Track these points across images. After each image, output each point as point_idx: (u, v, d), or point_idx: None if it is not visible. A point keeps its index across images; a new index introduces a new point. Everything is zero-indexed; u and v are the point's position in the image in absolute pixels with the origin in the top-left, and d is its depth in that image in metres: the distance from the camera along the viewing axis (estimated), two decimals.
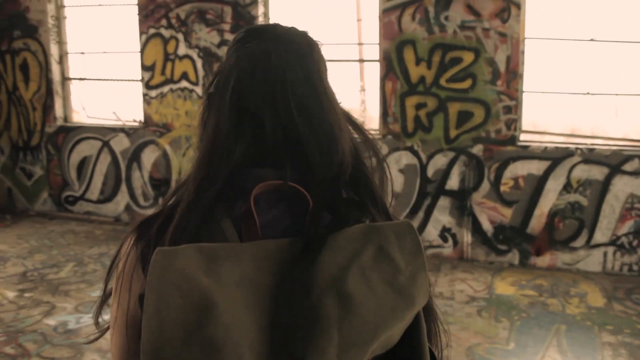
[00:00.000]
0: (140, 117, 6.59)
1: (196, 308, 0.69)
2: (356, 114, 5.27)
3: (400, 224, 0.81)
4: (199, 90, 6.18)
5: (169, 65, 6.24)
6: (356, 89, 5.84)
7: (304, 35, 0.95)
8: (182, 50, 6.16)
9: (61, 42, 6.92)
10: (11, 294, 4.57)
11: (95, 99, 7.37)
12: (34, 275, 4.99)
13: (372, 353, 0.74)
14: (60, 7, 6.88)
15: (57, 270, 5.03)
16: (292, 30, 0.94)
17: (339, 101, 0.95)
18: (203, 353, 0.67)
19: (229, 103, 0.88)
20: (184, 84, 6.21)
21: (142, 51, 6.34)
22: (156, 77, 6.32)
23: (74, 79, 7.00)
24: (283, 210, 0.86)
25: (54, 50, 6.86)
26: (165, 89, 6.30)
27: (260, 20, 5.81)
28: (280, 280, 0.75)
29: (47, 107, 6.97)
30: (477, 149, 5.32)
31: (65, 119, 7.07)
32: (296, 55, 0.89)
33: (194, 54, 6.12)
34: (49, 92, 6.92)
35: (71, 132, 6.90)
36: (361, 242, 0.77)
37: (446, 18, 5.16)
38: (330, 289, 0.72)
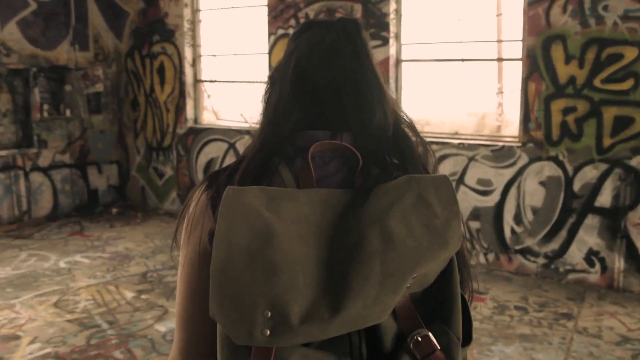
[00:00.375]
0: None
1: (259, 235, 0.78)
2: (492, 118, 4.68)
3: (438, 176, 0.88)
4: None
5: None
6: (493, 90, 5.33)
7: (353, 20, 1.06)
8: None
9: (195, 45, 7.08)
10: (130, 295, 4.62)
11: (225, 101, 7.47)
12: (153, 277, 5.04)
13: (409, 289, 0.83)
14: (195, 11, 7.05)
15: (175, 272, 5.03)
16: (343, 18, 1.05)
17: (382, 78, 1.04)
18: (263, 273, 0.76)
19: (290, 77, 1.00)
20: None
21: (270, 52, 6.28)
22: None
23: (205, 81, 7.14)
24: (337, 167, 0.97)
25: (187, 53, 7.04)
26: None
27: (392, 17, 5.50)
28: (332, 221, 0.84)
29: (179, 109, 7.16)
30: (637, 161, 4.59)
31: (196, 120, 7.22)
32: (345, 37, 1.01)
33: None
34: (182, 94, 7.11)
35: (200, 134, 7.02)
36: (403, 189, 0.85)
37: (605, 8, 4.51)
38: (374, 227, 0.81)
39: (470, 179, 5.21)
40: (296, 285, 0.77)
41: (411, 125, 1.05)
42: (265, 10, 6.27)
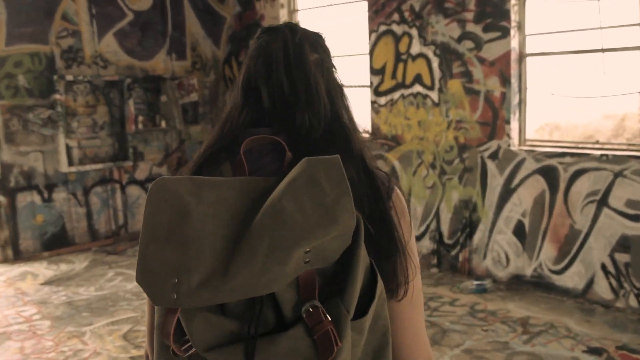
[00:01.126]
0: (368, 127, 5.84)
1: (177, 215, 0.89)
2: (634, 120, 3.56)
3: (328, 157, 0.92)
4: (434, 96, 5.18)
5: (400, 67, 5.38)
6: (635, 87, 4.24)
7: (290, 26, 1.14)
8: (416, 48, 5.24)
9: None
10: None
11: None
12: None
13: (310, 264, 0.89)
14: (292, 12, 6.52)
15: None
16: (285, 24, 1.15)
17: (318, 80, 1.12)
18: (177, 247, 0.87)
19: (241, 84, 1.13)
20: (417, 88, 5.28)
21: (371, 52, 5.59)
22: (386, 81, 5.50)
23: None
24: (271, 159, 1.05)
25: None
26: (396, 94, 5.44)
27: (513, 3, 4.59)
28: (248, 204, 0.92)
29: None
30: None
31: None
32: (282, 42, 1.10)
33: (429, 51, 5.15)
34: None
35: None
36: (297, 170, 0.91)
37: None
38: (268, 207, 0.89)
39: (617, 200, 4.16)
40: (201, 257, 0.87)
41: (352, 122, 1.14)
42: (366, 5, 5.59)
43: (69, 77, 6.17)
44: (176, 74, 7.03)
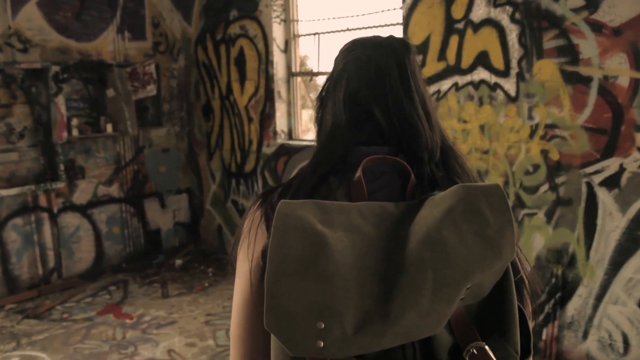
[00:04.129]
0: None
1: (311, 246, 0.76)
2: None
3: (488, 185, 0.85)
4: (510, 86, 3.30)
5: (452, 41, 3.49)
6: None
7: (401, 41, 1.06)
8: (480, 11, 3.35)
9: (288, 20, 4.67)
10: None
11: None
12: None
13: (464, 300, 0.80)
14: None
15: None
16: (391, 38, 1.06)
17: (430, 95, 1.06)
18: (316, 284, 0.74)
19: (342, 100, 1.03)
20: (481, 73, 3.40)
21: (405, 22, 3.70)
22: (429, 64, 3.62)
23: (304, 74, 4.70)
24: (388, 180, 0.97)
25: (277, 32, 4.64)
26: (445, 84, 3.56)
27: None
28: (384, 232, 0.82)
29: (266, 117, 4.78)
30: None
31: (290, 134, 4.80)
32: (393, 58, 1.02)
33: (502, 16, 3.26)
34: (269, 96, 4.72)
35: (296, 154, 4.60)
36: (453, 199, 0.82)
37: None
38: (426, 238, 0.79)
39: None
40: (349, 296, 0.75)
41: (453, 145, 1.06)
42: None
43: None
44: (130, 60, 5.14)
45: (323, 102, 1.08)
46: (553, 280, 3.35)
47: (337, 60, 1.08)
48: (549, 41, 3.12)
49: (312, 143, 4.54)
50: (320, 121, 1.08)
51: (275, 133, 4.72)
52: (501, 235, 0.79)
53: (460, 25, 3.42)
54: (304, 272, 0.75)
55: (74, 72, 4.82)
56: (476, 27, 3.36)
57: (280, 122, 4.73)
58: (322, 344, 0.73)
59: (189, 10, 5.33)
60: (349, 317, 0.73)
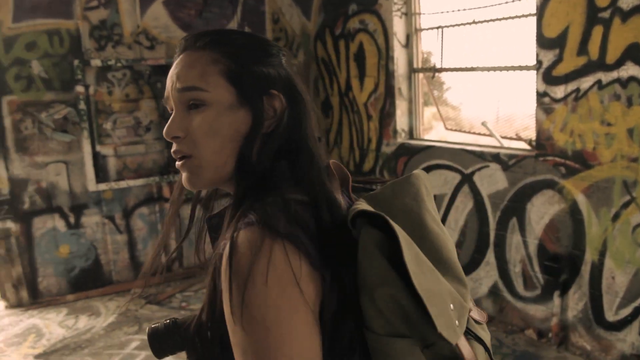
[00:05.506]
0: (532, 134, 3.65)
1: (420, 237, 0.89)
2: None
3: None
4: None
5: (596, 32, 3.11)
6: None
7: None
8: None
9: (410, 14, 4.46)
10: None
11: (463, 101, 4.76)
12: None
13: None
14: None
15: None
16: None
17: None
18: (435, 275, 0.82)
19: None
20: (630, 69, 3.00)
21: (539, 12, 3.36)
22: (567, 59, 3.26)
23: (427, 70, 4.47)
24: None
25: (398, 26, 4.45)
26: (586, 81, 3.19)
27: None
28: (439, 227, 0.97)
29: (386, 115, 4.62)
30: None
31: (411, 133, 4.60)
32: None
33: None
34: (389, 92, 4.55)
35: (417, 155, 4.39)
36: (415, 185, 0.97)
37: None
38: (434, 221, 0.95)
39: None
40: (450, 274, 0.88)
41: None
42: None
43: (96, 63, 4.53)
44: None
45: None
46: None
47: None
48: None
49: (435, 143, 4.32)
50: None
51: (395, 132, 4.54)
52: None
53: (605, 14, 3.04)
54: (431, 269, 0.82)
55: None
56: (625, 15, 2.96)
57: (401, 120, 4.54)
58: (457, 322, 0.80)
59: (309, 5, 5.28)
60: (464, 296, 0.87)
